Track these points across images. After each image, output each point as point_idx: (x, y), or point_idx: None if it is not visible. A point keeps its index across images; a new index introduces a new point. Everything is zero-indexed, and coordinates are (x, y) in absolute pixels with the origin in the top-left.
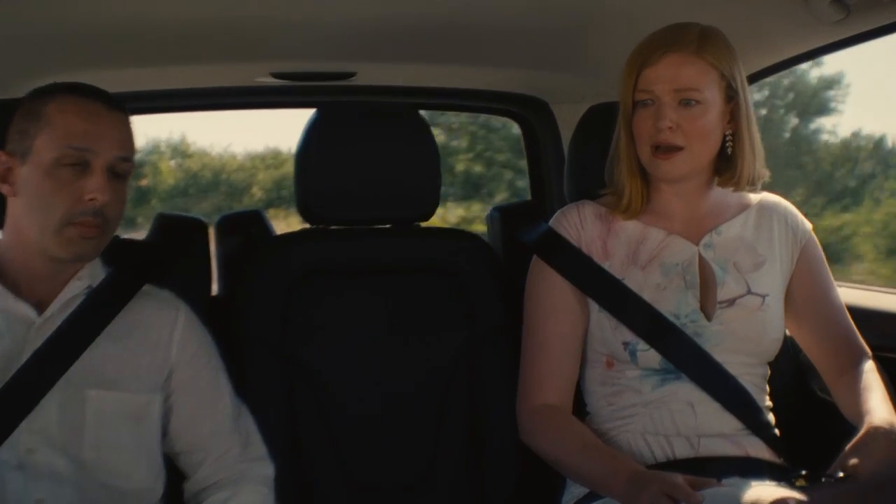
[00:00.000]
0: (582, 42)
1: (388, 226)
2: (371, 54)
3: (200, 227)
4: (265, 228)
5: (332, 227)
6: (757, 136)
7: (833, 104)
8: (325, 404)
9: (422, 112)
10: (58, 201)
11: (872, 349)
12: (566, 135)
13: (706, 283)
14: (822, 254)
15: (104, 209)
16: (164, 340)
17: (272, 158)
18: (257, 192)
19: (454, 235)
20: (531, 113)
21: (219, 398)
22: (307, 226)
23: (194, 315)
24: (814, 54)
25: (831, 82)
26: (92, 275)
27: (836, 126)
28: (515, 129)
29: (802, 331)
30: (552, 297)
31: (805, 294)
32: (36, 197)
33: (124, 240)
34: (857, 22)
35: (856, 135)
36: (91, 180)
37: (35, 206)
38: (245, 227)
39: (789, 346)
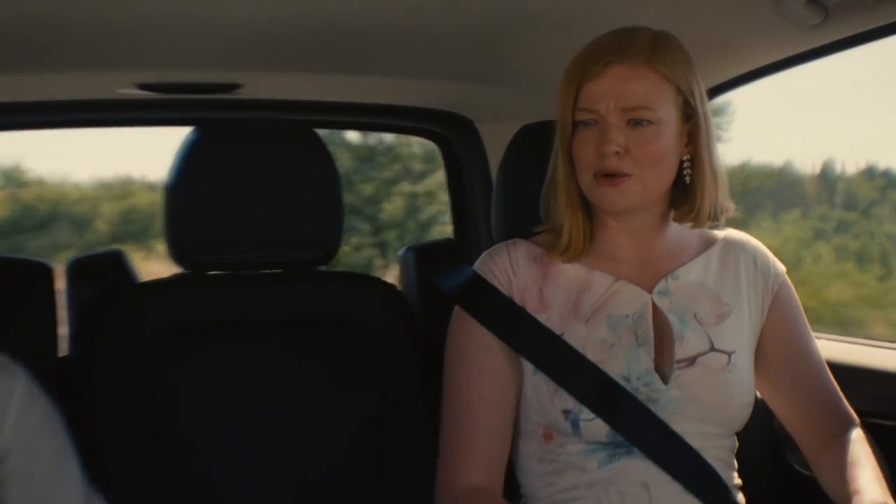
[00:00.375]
0: (512, 49)
1: (279, 271)
2: (259, 62)
3: (44, 273)
4: (127, 274)
5: (211, 273)
6: (719, 161)
7: (720, 132)
8: (202, 494)
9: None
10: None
11: (860, 414)
12: (494, 160)
13: (662, 339)
14: (798, 301)
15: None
16: None
17: (121, 188)
18: (101, 227)
19: (360, 282)
20: (453, 133)
21: (64, 489)
22: (179, 270)
23: (34, 384)
24: (786, 64)
25: (717, 110)
26: None
27: (724, 154)
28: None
29: (777, 394)
30: (478, 357)
31: (779, 350)
32: None
33: None
34: (837, 27)
35: (745, 163)
36: None
37: None
38: (102, 272)
39: (761, 412)
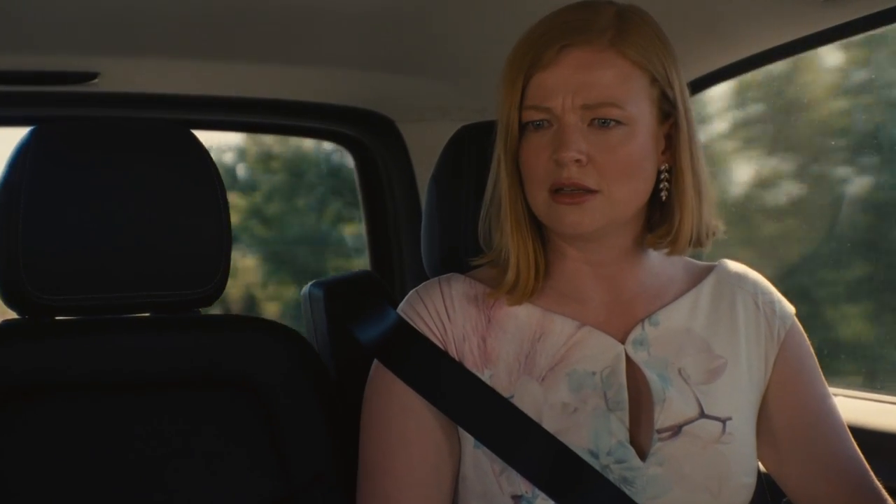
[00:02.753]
0: (444, 32)
1: (147, 315)
2: (121, 46)
3: None
4: None
5: (57, 319)
6: (704, 171)
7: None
8: None
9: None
10: None
11: (892, 492)
12: (422, 171)
13: (638, 402)
14: (811, 350)
15: None
16: None
17: None
18: None
19: (254, 328)
20: (369, 136)
21: None
22: (11, 315)
23: None
24: (789, 49)
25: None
26: None
27: None
28: None
29: (786, 469)
30: (403, 426)
31: (788, 413)
32: None
33: None
34: (854, 4)
35: None
36: None
37: None
38: None
39: (766, 493)
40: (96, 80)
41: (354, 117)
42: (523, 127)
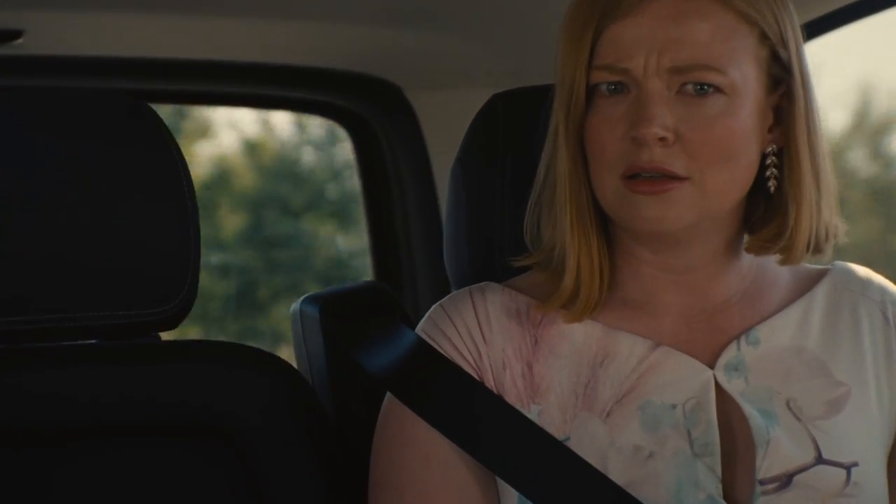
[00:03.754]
0: None
1: (92, 343)
2: None
3: None
4: None
5: None
6: (825, 154)
7: None
8: None
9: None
10: None
11: None
12: (439, 151)
13: (733, 444)
14: None
15: None
16: None
17: None
18: None
19: (230, 356)
20: (369, 108)
21: None
22: None
23: None
24: None
25: None
26: None
27: None
28: None
29: None
30: (425, 479)
31: None
32: None
33: None
34: None
35: None
36: None
37: None
38: None
39: None
40: (20, 41)
41: (351, 84)
42: (591, 92)
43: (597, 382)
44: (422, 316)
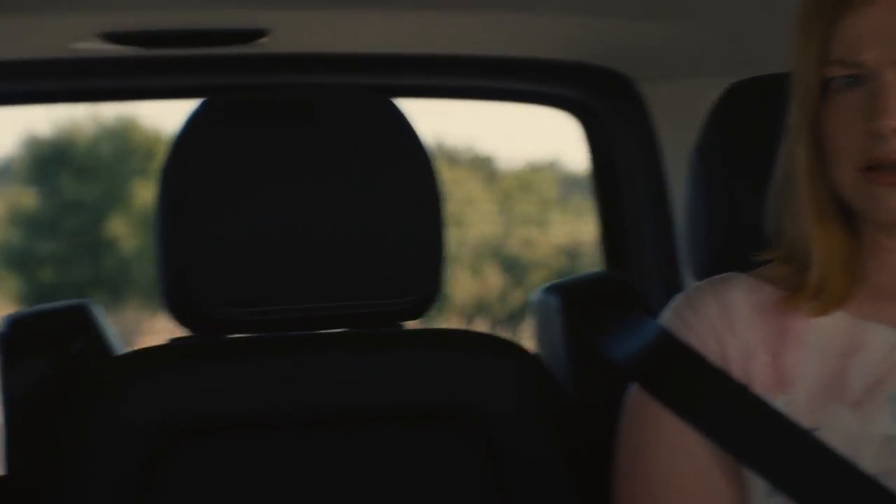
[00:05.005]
0: None
1: (342, 331)
2: None
3: None
4: (97, 340)
5: (232, 337)
6: None
7: None
8: None
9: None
10: None
11: None
12: (670, 140)
13: None
14: None
15: None
16: None
17: None
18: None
19: (474, 345)
20: (599, 99)
21: None
22: (181, 333)
23: None
24: None
25: None
26: None
27: None
28: None
29: None
30: (671, 469)
31: None
32: None
33: None
34: None
35: None
36: None
37: None
38: (58, 337)
39: None
40: (265, 39)
41: (582, 76)
42: (826, 85)
43: (846, 373)
44: (653, 305)
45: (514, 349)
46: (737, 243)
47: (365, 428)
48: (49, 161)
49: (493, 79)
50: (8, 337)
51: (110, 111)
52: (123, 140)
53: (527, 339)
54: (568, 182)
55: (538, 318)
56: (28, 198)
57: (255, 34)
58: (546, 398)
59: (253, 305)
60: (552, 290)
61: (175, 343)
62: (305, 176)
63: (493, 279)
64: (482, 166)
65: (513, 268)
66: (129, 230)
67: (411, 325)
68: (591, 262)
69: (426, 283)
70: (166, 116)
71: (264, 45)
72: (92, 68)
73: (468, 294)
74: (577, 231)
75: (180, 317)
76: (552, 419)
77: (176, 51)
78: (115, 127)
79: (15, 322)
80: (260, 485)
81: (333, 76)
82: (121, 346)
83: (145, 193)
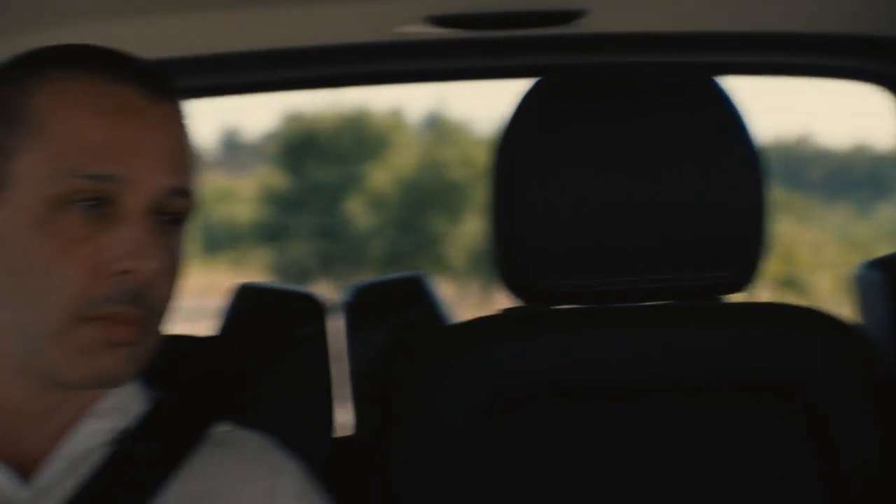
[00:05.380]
0: None
1: (667, 303)
2: None
3: (313, 309)
4: (432, 310)
5: (560, 308)
6: None
7: None
8: None
9: None
10: (60, 276)
11: None
12: None
13: None
14: None
15: (148, 288)
16: None
17: None
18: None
19: (799, 318)
20: None
21: None
22: (512, 304)
23: (306, 479)
24: None
25: None
26: (121, 407)
27: None
28: None
29: None
30: None
31: None
32: (15, 269)
33: (178, 337)
34: None
35: None
36: (122, 233)
37: (14, 288)
38: (396, 306)
39: None
40: (580, 20)
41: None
42: None
43: None
44: None
45: (838, 322)
46: None
47: (688, 399)
48: (296, 146)
49: (811, 55)
50: (353, 305)
51: (349, 100)
52: (359, 128)
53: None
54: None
55: (860, 292)
56: (278, 178)
57: (573, 15)
58: (871, 372)
59: (580, 278)
60: (875, 265)
61: (505, 313)
62: (631, 153)
63: None
64: None
65: None
66: (363, 209)
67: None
68: None
69: (748, 259)
70: (403, 101)
71: (582, 26)
72: (415, 50)
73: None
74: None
75: (511, 287)
76: (877, 392)
77: (496, 32)
78: (351, 115)
79: (358, 291)
80: (584, 453)
81: (649, 55)
82: (453, 317)
83: (379, 176)
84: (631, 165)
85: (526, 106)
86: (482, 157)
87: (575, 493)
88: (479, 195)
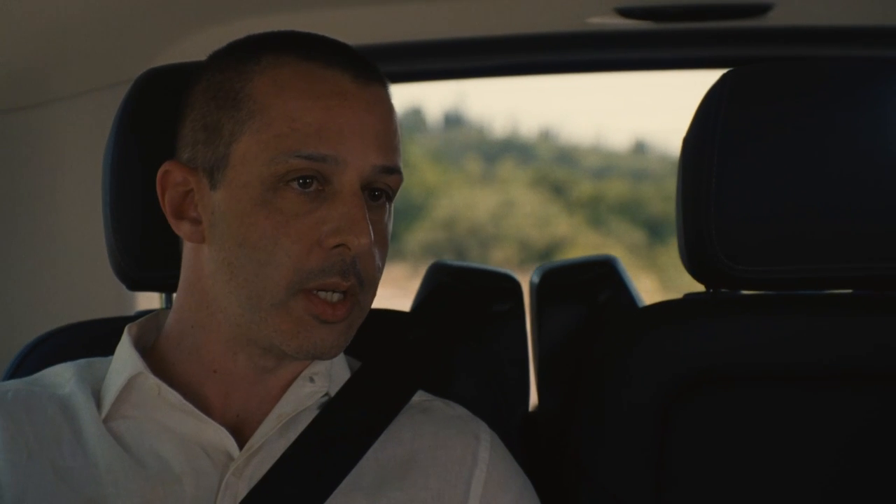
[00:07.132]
0: None
1: (847, 291)
2: None
3: (510, 290)
4: (622, 292)
5: (745, 294)
6: None
7: None
8: None
9: None
10: (280, 250)
11: None
12: None
13: None
14: None
15: (359, 261)
16: (456, 495)
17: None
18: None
19: None
20: None
21: None
22: (697, 289)
23: (503, 448)
24: None
25: None
26: (327, 374)
27: None
28: None
29: None
30: None
31: None
32: (238, 245)
33: (379, 311)
34: None
35: None
36: (336, 210)
37: (238, 262)
38: (585, 288)
39: None
40: (768, 13)
41: None
42: None
43: None
44: None
45: None
46: None
47: (869, 388)
48: None
49: None
50: (540, 286)
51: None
52: None
53: None
54: None
55: None
56: None
57: (761, 8)
58: None
59: (767, 264)
60: None
61: (691, 298)
62: (820, 144)
63: None
64: None
65: None
66: None
67: None
68: None
69: None
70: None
71: (770, 19)
72: (604, 40)
73: None
74: None
75: (698, 273)
76: None
77: (684, 24)
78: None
79: (546, 273)
80: (764, 435)
81: (836, 48)
82: (643, 300)
83: None
84: (820, 156)
85: (715, 97)
86: None
87: (754, 473)
88: None
